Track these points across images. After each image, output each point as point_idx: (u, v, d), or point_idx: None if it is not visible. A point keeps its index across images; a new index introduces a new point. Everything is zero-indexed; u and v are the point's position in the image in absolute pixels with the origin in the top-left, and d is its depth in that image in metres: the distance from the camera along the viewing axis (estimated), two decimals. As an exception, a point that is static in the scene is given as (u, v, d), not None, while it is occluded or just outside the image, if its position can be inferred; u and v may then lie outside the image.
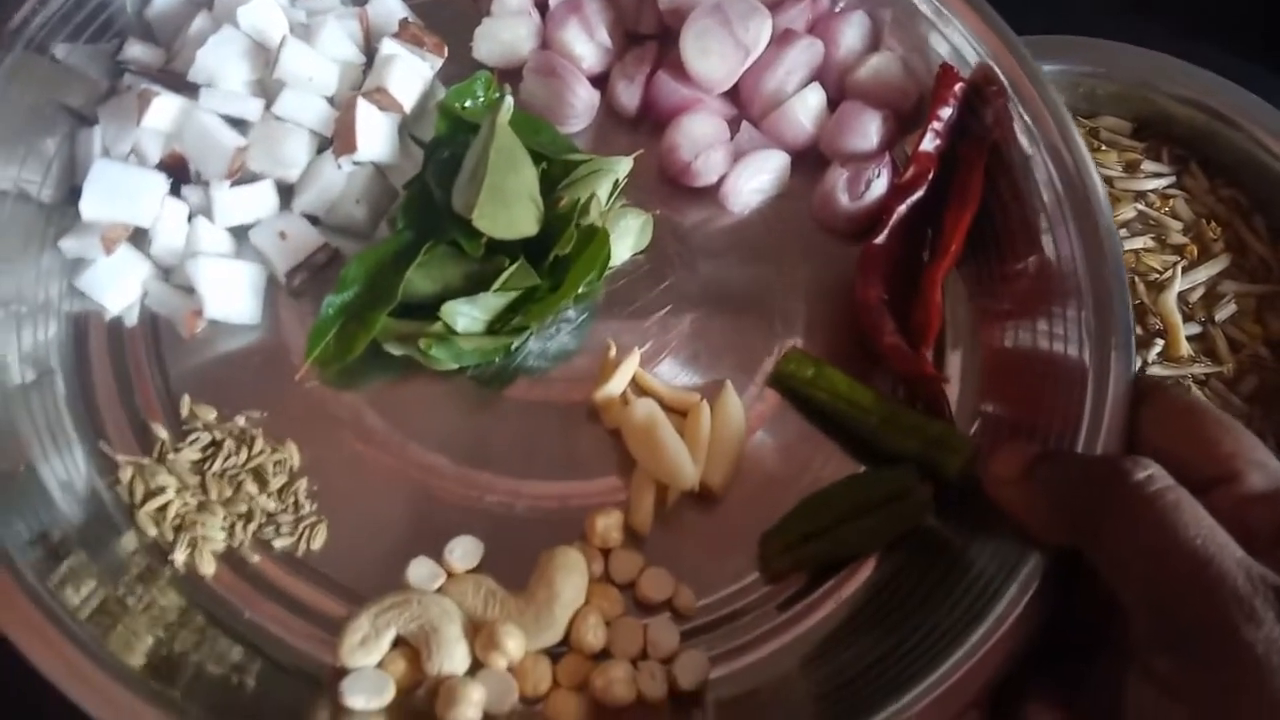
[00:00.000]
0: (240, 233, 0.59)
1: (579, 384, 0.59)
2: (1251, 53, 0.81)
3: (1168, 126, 0.77)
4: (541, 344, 0.60)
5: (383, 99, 0.60)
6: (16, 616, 0.44)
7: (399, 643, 0.49)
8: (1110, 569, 0.44)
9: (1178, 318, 0.71)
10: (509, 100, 0.59)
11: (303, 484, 0.53)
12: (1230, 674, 0.37)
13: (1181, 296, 0.72)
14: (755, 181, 0.65)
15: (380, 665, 0.48)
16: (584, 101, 0.66)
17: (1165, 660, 0.40)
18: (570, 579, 0.50)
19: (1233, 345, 0.72)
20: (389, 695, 0.47)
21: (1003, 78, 0.65)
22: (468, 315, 0.55)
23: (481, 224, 0.54)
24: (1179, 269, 0.73)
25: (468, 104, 0.63)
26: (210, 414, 0.54)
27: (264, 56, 0.59)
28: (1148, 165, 0.77)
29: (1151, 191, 0.76)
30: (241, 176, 0.58)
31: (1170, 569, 0.40)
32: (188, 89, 0.58)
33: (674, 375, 0.60)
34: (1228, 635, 0.37)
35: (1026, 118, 0.65)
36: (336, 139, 0.59)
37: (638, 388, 0.58)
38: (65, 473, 0.51)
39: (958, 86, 0.65)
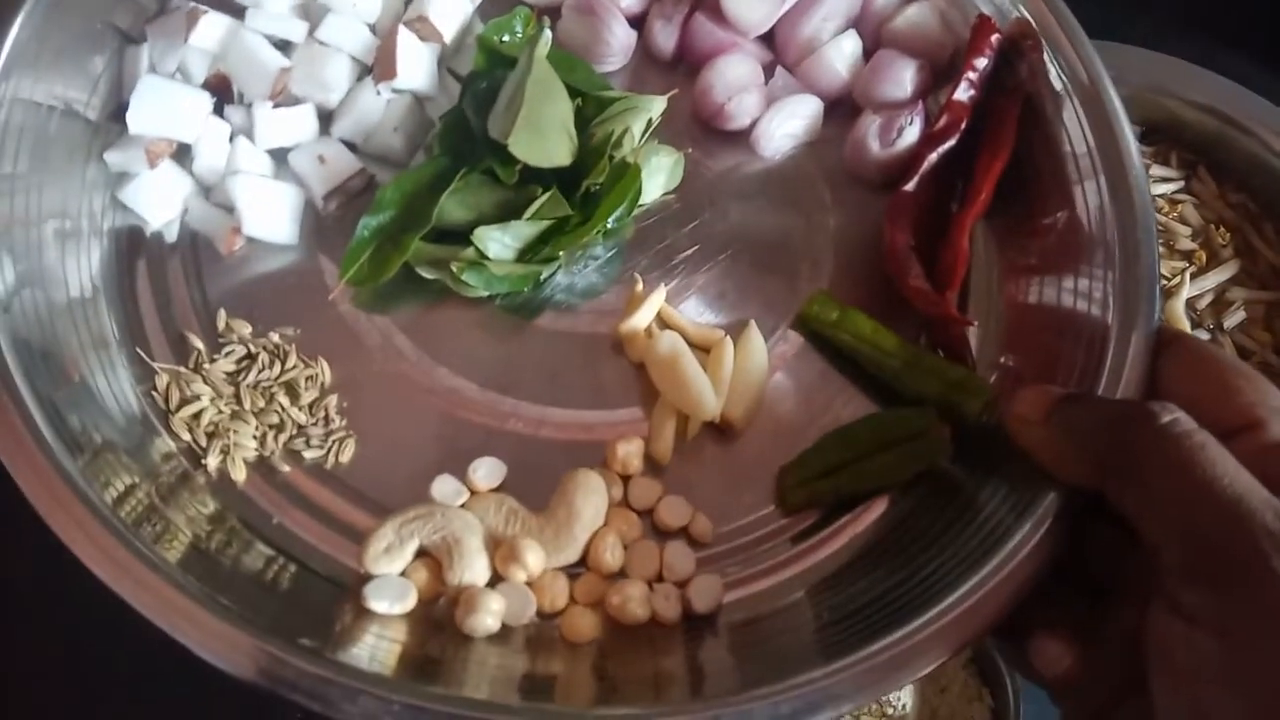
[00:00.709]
0: (279, 156, 0.60)
1: (605, 317, 0.60)
2: (1263, 57, 0.80)
3: (1177, 131, 0.76)
4: (569, 278, 0.61)
5: (424, 28, 0.61)
6: (62, 512, 0.45)
7: (422, 554, 0.50)
8: (1136, 508, 0.44)
9: (1186, 324, 0.70)
10: (547, 33, 0.59)
11: (333, 400, 0.54)
12: (1262, 602, 0.38)
13: (1190, 303, 0.72)
14: (788, 127, 0.66)
15: (403, 574, 0.49)
16: (621, 41, 0.66)
17: (1194, 593, 0.40)
18: (590, 500, 0.51)
19: (1242, 352, 0.71)
20: (411, 601, 0.48)
21: (1038, 31, 0.65)
22: (499, 242, 0.56)
23: (516, 150, 0.55)
24: (1187, 275, 0.72)
25: (505, 39, 0.64)
26: (245, 329, 0.55)
27: (309, -20, 0.59)
28: (1156, 170, 0.76)
29: (1160, 196, 0.75)
30: (283, 99, 0.59)
31: (1200, 507, 0.41)
32: (234, 10, 0.59)
33: (699, 313, 0.61)
34: (1259, 566, 0.38)
35: (1061, 71, 0.65)
36: (377, 65, 0.60)
37: (663, 322, 0.59)
38: (108, 382, 0.52)
39: (994, 38, 0.65)
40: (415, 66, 0.60)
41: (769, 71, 0.67)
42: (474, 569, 0.49)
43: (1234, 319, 0.71)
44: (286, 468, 0.53)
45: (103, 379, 0.52)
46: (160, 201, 0.57)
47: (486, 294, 0.58)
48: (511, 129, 0.55)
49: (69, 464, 0.47)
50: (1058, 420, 0.50)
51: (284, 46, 0.60)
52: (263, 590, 0.48)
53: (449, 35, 0.62)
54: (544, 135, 0.57)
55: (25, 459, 0.47)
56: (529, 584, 0.50)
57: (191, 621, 0.43)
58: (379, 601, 0.47)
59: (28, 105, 0.55)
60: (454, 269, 0.56)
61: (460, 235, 0.57)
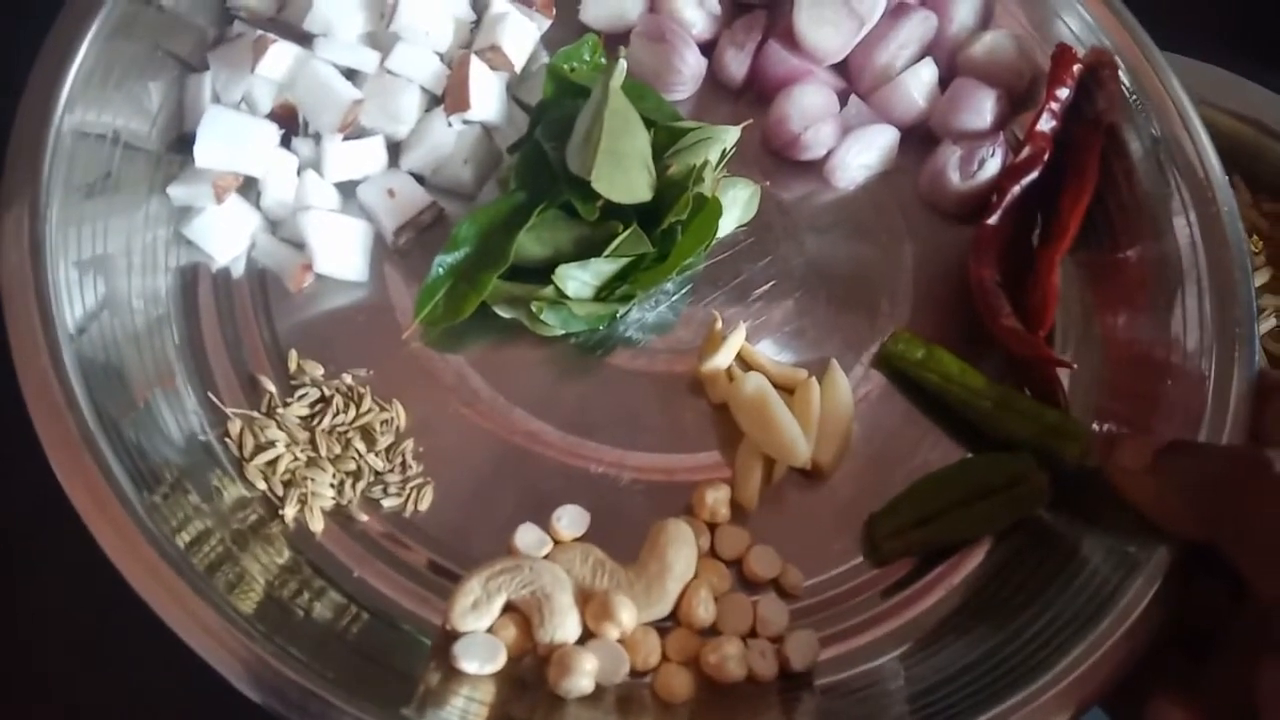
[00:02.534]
0: (345, 188, 0.59)
1: (681, 356, 0.58)
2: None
3: (1212, 139, 0.75)
4: (641, 314, 0.59)
5: (495, 57, 0.59)
6: (131, 554, 0.43)
7: (508, 608, 0.48)
8: (1250, 564, 0.43)
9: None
10: (622, 63, 0.57)
11: (409, 444, 0.52)
12: None
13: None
14: (863, 157, 0.64)
15: (490, 630, 0.47)
16: (692, 69, 0.64)
17: None
18: (682, 552, 0.49)
19: (1273, 360, 0.70)
20: (501, 661, 0.46)
21: (1119, 60, 0.63)
22: (578, 280, 0.55)
23: (599, 186, 0.53)
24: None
25: (574, 67, 0.62)
26: (317, 370, 0.53)
27: (378, 8, 0.58)
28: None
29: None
30: (352, 131, 0.57)
31: None
32: (300, 39, 0.57)
33: (778, 352, 0.59)
34: None
35: (1146, 102, 0.63)
36: (448, 96, 0.58)
37: (744, 363, 0.57)
38: (175, 419, 0.50)
39: (1076, 67, 0.64)
40: (487, 97, 0.59)
41: (841, 99, 0.66)
42: (565, 626, 0.47)
43: (1266, 326, 0.71)
44: (364, 516, 0.51)
45: (172, 419, 0.51)
46: (227, 237, 0.55)
47: (561, 333, 0.56)
48: (593, 164, 0.53)
49: (137, 500, 0.45)
50: (1163, 471, 0.48)
51: (349, 76, 0.58)
52: (341, 645, 0.46)
53: (519, 64, 0.60)
54: (624, 170, 0.55)
55: (93, 496, 0.45)
56: (620, 641, 0.48)
57: (272, 682, 0.41)
58: (469, 661, 0.45)
59: (91, 136, 0.53)
60: (533, 308, 0.54)
61: (534, 272, 0.56)
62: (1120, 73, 0.63)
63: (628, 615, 0.47)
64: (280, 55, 0.55)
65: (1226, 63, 0.75)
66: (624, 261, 0.56)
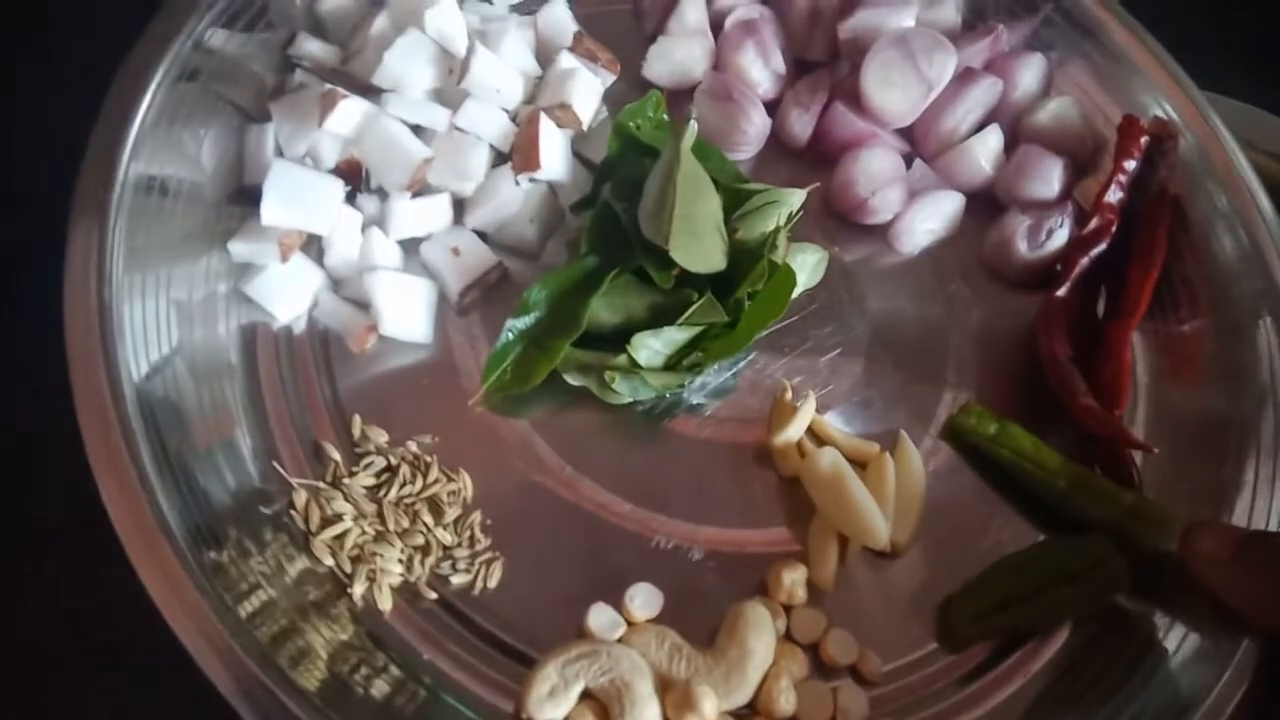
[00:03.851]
0: (406, 245, 0.57)
1: (748, 425, 0.57)
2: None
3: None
4: (704, 380, 0.58)
5: (564, 115, 0.58)
6: (191, 619, 0.42)
7: (585, 695, 0.46)
8: None
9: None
10: (694, 125, 0.56)
11: (476, 516, 0.51)
12: None
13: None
14: (930, 223, 0.63)
15: (567, 719, 0.46)
16: (757, 129, 0.64)
17: None
18: (762, 638, 0.48)
19: None
20: (581, 752, 0.44)
21: (1182, 132, 0.63)
22: (651, 349, 0.53)
23: (677, 256, 0.52)
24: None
25: (638, 124, 0.61)
26: (382, 437, 0.52)
27: (446, 64, 0.56)
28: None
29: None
30: (417, 189, 0.55)
31: None
32: (364, 91, 0.55)
33: (845, 422, 0.58)
34: None
35: (1211, 174, 0.63)
36: (516, 154, 0.57)
37: (815, 435, 0.56)
38: (237, 480, 0.49)
39: (1143, 139, 0.63)
40: (554, 155, 0.57)
41: (905, 163, 0.65)
42: (646, 716, 0.45)
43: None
44: (432, 594, 0.49)
45: (233, 480, 0.49)
46: (289, 296, 0.54)
47: (629, 400, 0.55)
48: (669, 231, 0.52)
49: (194, 560, 0.44)
50: (1246, 560, 0.47)
51: (415, 132, 0.56)
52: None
53: (587, 122, 0.59)
54: (699, 237, 0.54)
55: (154, 557, 0.43)
56: (700, 731, 0.46)
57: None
58: (550, 754, 0.44)
59: (154, 185, 0.52)
60: (606, 377, 0.53)
61: (601, 338, 0.54)
62: (1183, 144, 0.63)
63: (710, 706, 0.45)
64: (349, 111, 0.54)
65: (1269, 102, 0.75)
66: (696, 330, 0.54)
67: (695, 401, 0.58)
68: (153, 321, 0.51)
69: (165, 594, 0.42)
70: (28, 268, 0.50)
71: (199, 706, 0.42)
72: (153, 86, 0.53)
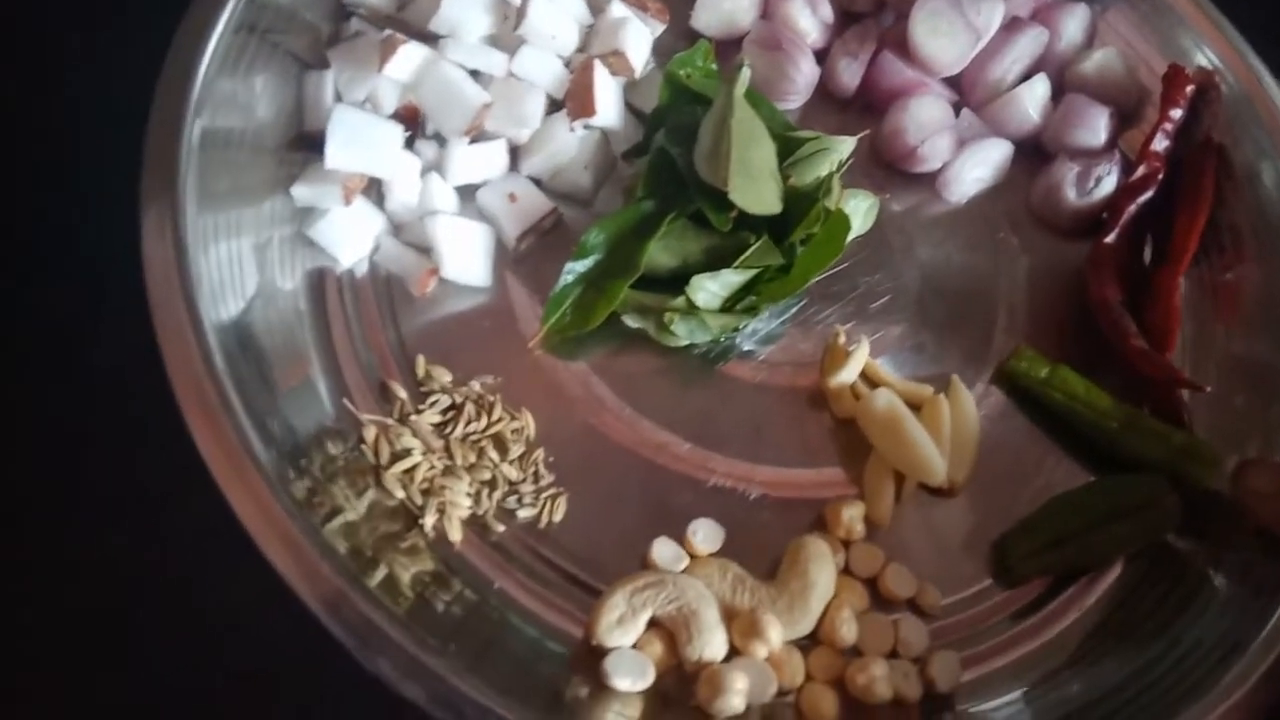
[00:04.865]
0: (462, 192, 0.58)
1: (803, 369, 0.58)
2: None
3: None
4: (756, 327, 0.59)
5: (617, 63, 0.58)
6: (292, 557, 0.43)
7: (652, 625, 0.47)
8: None
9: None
10: (746, 71, 0.57)
11: (540, 454, 0.52)
12: None
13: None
14: (977, 171, 0.64)
15: (635, 646, 0.47)
16: (806, 77, 0.64)
17: None
18: (824, 569, 0.49)
19: None
20: (650, 678, 0.45)
21: (1227, 81, 0.64)
22: (708, 291, 0.54)
23: (735, 197, 0.52)
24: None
25: (688, 73, 0.62)
26: (446, 376, 0.52)
27: (503, 10, 0.57)
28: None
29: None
30: (475, 134, 0.56)
31: None
32: (420, 38, 0.56)
33: (898, 367, 0.58)
34: None
35: (1256, 122, 0.63)
36: (571, 101, 0.57)
37: (867, 378, 0.57)
38: (313, 419, 0.49)
39: (1189, 87, 0.64)
40: (609, 103, 0.58)
41: (954, 112, 0.65)
42: (714, 644, 0.46)
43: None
44: (501, 527, 0.50)
45: (309, 416, 0.50)
46: (352, 240, 0.54)
47: (685, 343, 0.56)
48: (728, 174, 0.52)
49: (284, 492, 0.44)
50: None
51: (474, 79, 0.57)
52: (488, 651, 0.46)
53: (639, 69, 0.60)
54: (756, 180, 0.54)
55: (246, 488, 0.44)
56: (766, 659, 0.47)
57: (455, 698, 0.41)
58: (621, 679, 0.45)
59: (219, 134, 0.52)
60: (665, 319, 0.53)
61: (658, 281, 0.55)
62: (1227, 93, 0.63)
63: (776, 634, 0.46)
64: (409, 56, 0.54)
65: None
66: (751, 273, 0.55)
67: (748, 348, 0.58)
68: (227, 268, 0.51)
69: (255, 517, 0.43)
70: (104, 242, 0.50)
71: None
72: (213, 41, 0.53)
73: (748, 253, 0.54)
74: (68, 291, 0.56)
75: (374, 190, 0.56)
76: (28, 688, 0.49)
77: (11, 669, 0.49)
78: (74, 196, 0.59)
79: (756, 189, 0.54)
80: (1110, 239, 0.61)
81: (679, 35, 0.66)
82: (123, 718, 0.49)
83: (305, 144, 0.56)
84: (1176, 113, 0.63)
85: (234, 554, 0.43)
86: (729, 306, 0.56)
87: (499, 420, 0.51)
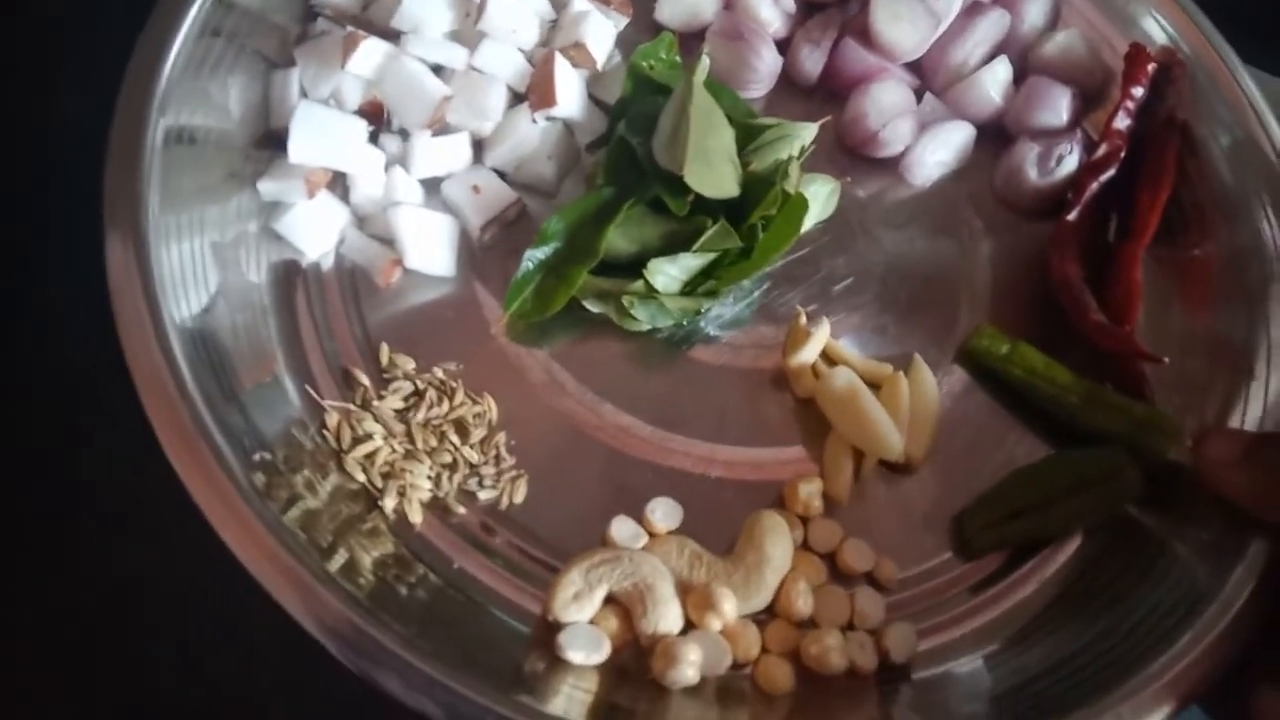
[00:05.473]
0: (428, 186, 0.59)
1: (765, 351, 0.58)
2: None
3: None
4: (721, 311, 0.60)
5: (578, 55, 0.59)
6: (253, 543, 0.44)
7: (609, 600, 0.48)
8: None
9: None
10: (705, 60, 0.58)
11: (501, 437, 0.53)
12: None
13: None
14: (939, 154, 0.64)
15: (592, 621, 0.47)
16: (768, 66, 0.65)
17: None
18: (779, 543, 0.49)
19: None
20: (606, 651, 0.46)
21: (1190, 60, 0.64)
22: (667, 275, 0.55)
23: (691, 181, 0.53)
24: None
25: (651, 65, 0.63)
26: (409, 364, 0.54)
27: (464, 6, 0.58)
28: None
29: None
30: (439, 128, 0.57)
31: None
32: (384, 36, 0.57)
33: (860, 348, 0.59)
34: None
35: (1219, 100, 0.64)
36: (533, 93, 0.58)
37: (828, 358, 0.57)
38: (277, 411, 0.51)
39: (1150, 66, 0.64)
40: (570, 94, 0.59)
41: (915, 97, 0.66)
42: (668, 617, 0.47)
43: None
44: (461, 509, 0.51)
45: (274, 410, 0.51)
46: (317, 233, 0.56)
47: (648, 328, 0.56)
48: (684, 159, 0.53)
49: (247, 482, 0.45)
50: (1258, 462, 0.48)
51: (435, 73, 0.58)
52: (446, 631, 0.46)
53: (600, 61, 0.61)
54: (713, 165, 0.55)
55: (208, 482, 0.45)
56: (721, 632, 0.48)
57: (405, 670, 0.41)
58: (575, 652, 0.46)
59: (183, 134, 0.54)
60: (625, 302, 0.54)
61: (620, 267, 0.56)
62: (1191, 71, 0.64)
63: (730, 606, 0.47)
64: (371, 51, 0.55)
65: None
66: (710, 257, 0.56)
67: (712, 332, 0.59)
68: (189, 264, 0.52)
69: (217, 509, 0.44)
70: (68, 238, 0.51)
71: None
72: (177, 43, 0.54)
73: (705, 236, 0.55)
74: (66, 289, 0.58)
75: (340, 185, 0.57)
76: (28, 688, 0.51)
77: (11, 669, 0.51)
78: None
79: (713, 173, 0.55)
80: (1072, 217, 0.61)
81: (643, 29, 0.67)
82: (122, 718, 0.51)
83: (273, 141, 0.57)
84: (1138, 91, 0.64)
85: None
86: (689, 290, 0.57)
87: (461, 405, 0.52)
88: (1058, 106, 0.64)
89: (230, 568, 0.44)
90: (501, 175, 0.60)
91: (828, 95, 0.67)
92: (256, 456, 0.47)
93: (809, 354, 0.56)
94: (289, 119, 0.55)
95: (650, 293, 0.54)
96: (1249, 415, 0.55)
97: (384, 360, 0.54)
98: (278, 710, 0.53)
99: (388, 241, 0.56)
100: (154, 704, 0.51)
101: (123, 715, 0.51)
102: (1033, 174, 0.63)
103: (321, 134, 0.54)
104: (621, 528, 0.51)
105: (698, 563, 0.49)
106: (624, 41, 0.65)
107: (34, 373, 0.57)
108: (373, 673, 0.42)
